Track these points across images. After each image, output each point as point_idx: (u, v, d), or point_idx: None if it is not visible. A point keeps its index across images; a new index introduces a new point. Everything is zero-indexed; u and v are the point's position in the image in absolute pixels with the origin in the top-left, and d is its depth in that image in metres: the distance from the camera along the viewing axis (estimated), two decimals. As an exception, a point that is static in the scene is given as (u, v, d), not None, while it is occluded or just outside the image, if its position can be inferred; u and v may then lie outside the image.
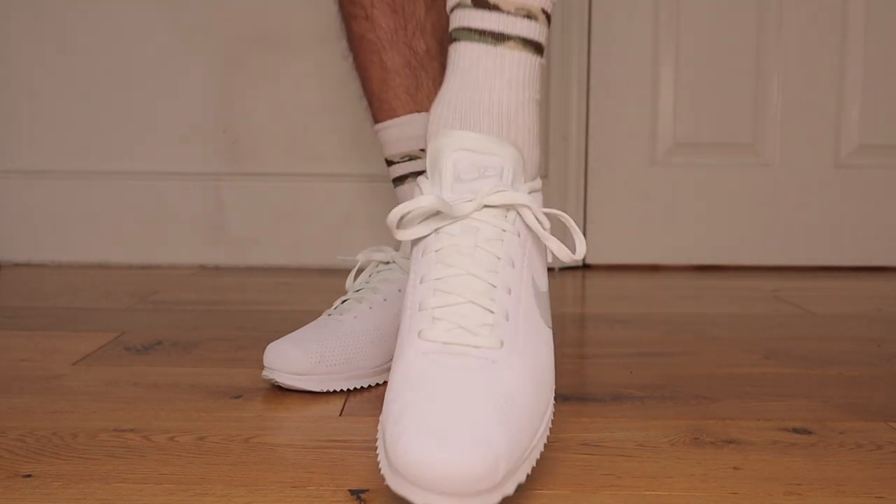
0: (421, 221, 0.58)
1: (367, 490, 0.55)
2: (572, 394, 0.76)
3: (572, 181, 1.53)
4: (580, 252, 0.60)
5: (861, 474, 0.59)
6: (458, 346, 0.54)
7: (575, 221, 1.51)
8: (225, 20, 1.50)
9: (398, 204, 0.89)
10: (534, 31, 0.61)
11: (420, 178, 0.61)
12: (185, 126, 1.53)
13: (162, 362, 0.87)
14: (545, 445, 0.56)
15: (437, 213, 0.58)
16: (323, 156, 1.53)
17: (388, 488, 0.49)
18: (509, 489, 0.50)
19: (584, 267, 1.56)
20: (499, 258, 0.57)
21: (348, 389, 0.77)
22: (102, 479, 0.57)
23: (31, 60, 1.52)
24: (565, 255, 0.59)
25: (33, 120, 1.53)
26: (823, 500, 0.55)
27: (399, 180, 0.88)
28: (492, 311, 0.55)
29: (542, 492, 0.55)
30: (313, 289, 1.33)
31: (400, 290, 0.82)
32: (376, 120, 0.88)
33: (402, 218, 0.58)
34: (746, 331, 1.05)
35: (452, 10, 0.63)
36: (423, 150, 0.86)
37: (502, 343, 0.55)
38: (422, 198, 0.57)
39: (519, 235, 0.58)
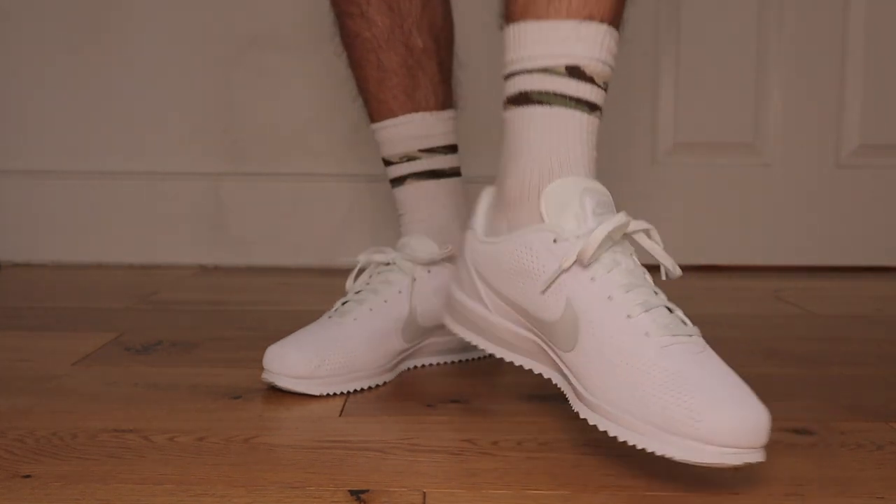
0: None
1: (367, 490, 0.55)
2: (572, 394, 0.76)
3: (572, 181, 1.53)
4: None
5: (862, 475, 0.59)
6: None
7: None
8: (225, 20, 1.50)
9: (397, 204, 0.89)
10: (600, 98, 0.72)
11: (565, 232, 0.66)
12: (185, 126, 1.53)
13: (162, 363, 0.87)
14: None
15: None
16: (323, 156, 1.53)
17: (388, 489, 0.49)
18: None
19: (584, 267, 1.56)
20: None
21: (348, 392, 0.77)
22: (102, 479, 0.57)
23: (31, 60, 1.52)
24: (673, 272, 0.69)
25: (33, 120, 1.53)
26: (824, 500, 0.55)
27: (398, 181, 0.87)
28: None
29: (542, 492, 0.55)
30: (313, 289, 1.33)
31: (400, 292, 0.82)
32: (373, 119, 0.88)
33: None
34: (746, 331, 1.05)
35: (531, 72, 0.66)
36: (421, 151, 0.86)
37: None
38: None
39: None
